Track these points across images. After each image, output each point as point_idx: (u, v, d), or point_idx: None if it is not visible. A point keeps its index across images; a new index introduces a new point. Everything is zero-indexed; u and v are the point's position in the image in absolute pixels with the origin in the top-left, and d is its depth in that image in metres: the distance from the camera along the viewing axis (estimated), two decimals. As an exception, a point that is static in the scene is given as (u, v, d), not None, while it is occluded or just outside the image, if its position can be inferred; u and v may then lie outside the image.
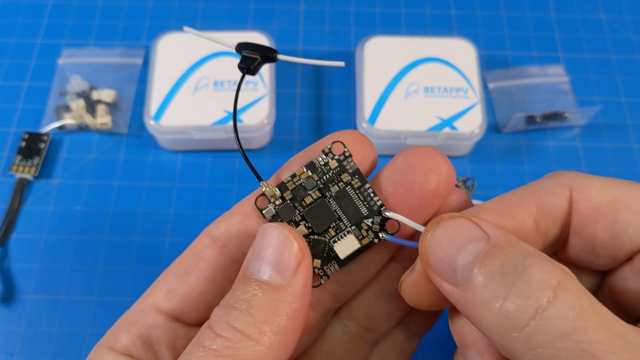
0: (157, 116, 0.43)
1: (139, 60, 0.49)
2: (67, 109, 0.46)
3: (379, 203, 0.22)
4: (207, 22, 0.52)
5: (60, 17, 0.52)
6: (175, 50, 0.46)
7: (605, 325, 0.16)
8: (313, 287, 0.22)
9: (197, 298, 0.23)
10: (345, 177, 0.22)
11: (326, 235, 0.22)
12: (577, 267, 0.22)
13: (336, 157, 0.22)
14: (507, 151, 0.46)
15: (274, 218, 0.22)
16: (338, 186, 0.22)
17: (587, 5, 0.54)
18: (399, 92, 0.44)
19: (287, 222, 0.22)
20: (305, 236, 0.22)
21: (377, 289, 0.25)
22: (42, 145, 0.45)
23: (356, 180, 0.22)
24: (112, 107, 0.47)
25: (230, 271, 0.23)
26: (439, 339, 0.39)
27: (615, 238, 0.20)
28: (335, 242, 0.22)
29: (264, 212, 0.22)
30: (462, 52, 0.46)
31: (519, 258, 0.17)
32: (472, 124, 0.43)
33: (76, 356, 0.38)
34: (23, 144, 0.45)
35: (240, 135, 0.43)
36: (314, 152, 0.23)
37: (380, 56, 0.46)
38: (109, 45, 0.50)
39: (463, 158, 0.46)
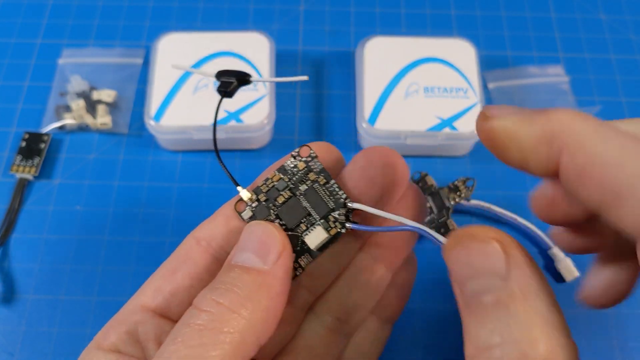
0: (157, 116, 0.43)
1: (139, 60, 0.49)
2: (67, 109, 0.46)
3: (343, 196, 0.24)
4: (207, 22, 0.52)
5: (60, 17, 0.52)
6: (176, 50, 0.46)
7: None
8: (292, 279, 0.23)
9: (183, 293, 0.24)
10: (312, 175, 0.24)
11: (298, 230, 0.24)
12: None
13: (303, 159, 0.25)
14: (507, 151, 0.46)
15: (251, 219, 0.25)
16: (306, 184, 0.24)
17: (587, 5, 0.54)
18: (399, 92, 0.45)
19: (262, 221, 0.24)
20: None
21: (348, 280, 0.26)
22: (42, 145, 0.45)
23: (322, 177, 0.24)
24: (112, 107, 0.47)
25: (215, 269, 0.24)
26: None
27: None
28: (306, 235, 0.24)
29: (242, 214, 0.25)
30: (462, 52, 0.46)
31: (520, 322, 0.17)
32: (472, 124, 0.43)
33: (76, 356, 0.38)
34: (23, 144, 0.45)
35: (240, 135, 0.44)
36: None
37: (380, 56, 0.46)
38: (109, 45, 0.50)
39: (463, 158, 0.46)
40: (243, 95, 0.44)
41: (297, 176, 0.25)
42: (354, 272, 0.26)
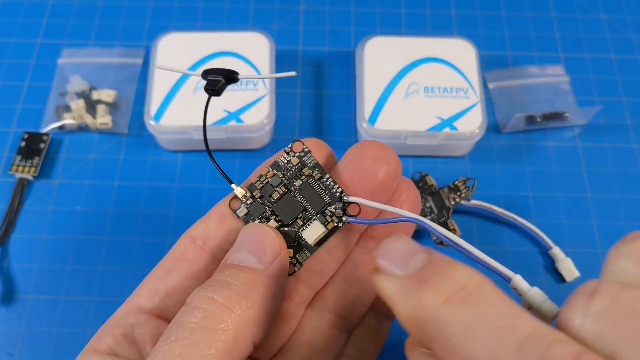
0: (157, 116, 0.43)
1: (139, 60, 0.49)
2: (67, 109, 0.46)
3: (339, 190, 0.24)
4: (207, 22, 0.52)
5: (60, 17, 0.52)
6: (175, 50, 0.46)
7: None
8: (288, 275, 0.23)
9: (180, 293, 0.23)
10: (307, 170, 0.24)
11: (295, 225, 0.24)
12: None
13: (297, 154, 0.25)
14: (507, 151, 0.46)
15: (247, 216, 0.24)
16: (301, 180, 0.24)
17: (587, 5, 0.54)
18: (399, 92, 0.44)
19: (258, 218, 0.24)
20: (276, 229, 0.24)
21: (345, 275, 0.26)
22: (42, 145, 0.45)
23: (316, 172, 0.24)
24: (112, 107, 0.47)
25: (211, 267, 0.24)
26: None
27: None
28: (303, 230, 0.24)
29: (237, 212, 0.24)
30: (462, 52, 0.46)
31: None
32: (472, 124, 0.43)
33: (76, 356, 0.38)
34: (23, 144, 0.45)
35: (240, 135, 0.44)
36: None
37: (380, 56, 0.46)
38: (109, 45, 0.50)
39: (463, 158, 0.46)
40: (243, 95, 0.44)
41: (291, 172, 0.25)
42: (352, 267, 0.26)
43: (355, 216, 0.24)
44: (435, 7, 0.53)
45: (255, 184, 0.25)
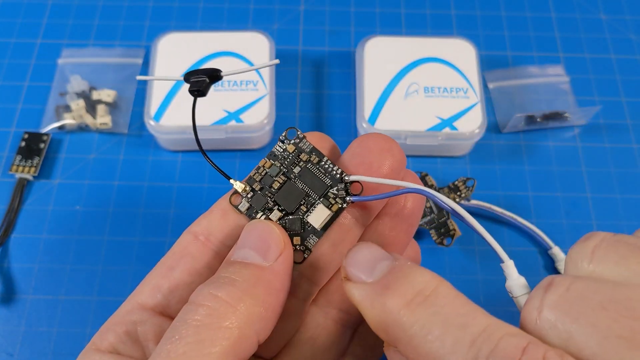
0: (157, 116, 0.43)
1: (139, 60, 0.49)
2: (67, 109, 0.46)
3: (339, 171, 0.24)
4: (207, 22, 0.52)
5: (60, 17, 0.52)
6: (175, 50, 0.46)
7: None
8: (298, 263, 0.23)
9: (183, 289, 0.23)
10: (304, 156, 0.24)
11: (299, 212, 0.24)
12: None
13: (292, 141, 0.24)
14: (507, 151, 0.46)
15: (250, 210, 0.24)
16: (299, 166, 0.24)
17: (587, 5, 0.54)
18: (399, 92, 0.44)
19: (261, 210, 0.24)
20: (280, 218, 0.24)
21: None
22: (42, 145, 0.45)
23: (314, 156, 0.24)
24: (112, 107, 0.47)
25: (214, 263, 0.24)
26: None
27: None
28: (308, 216, 0.24)
29: (239, 207, 0.24)
30: (462, 52, 0.46)
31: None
32: (472, 124, 0.43)
33: (76, 356, 0.38)
34: (23, 144, 0.45)
35: (240, 135, 0.44)
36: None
37: (380, 56, 0.46)
38: (109, 45, 0.50)
39: (463, 158, 0.46)
40: (243, 95, 0.44)
41: (288, 159, 0.24)
42: None
43: (358, 194, 0.24)
44: (435, 7, 0.53)
45: (254, 177, 0.24)
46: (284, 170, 0.24)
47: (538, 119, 0.46)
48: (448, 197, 0.42)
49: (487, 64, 0.50)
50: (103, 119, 0.46)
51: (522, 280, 0.20)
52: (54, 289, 0.40)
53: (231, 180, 0.24)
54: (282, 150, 0.25)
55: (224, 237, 0.24)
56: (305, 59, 0.50)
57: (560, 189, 0.45)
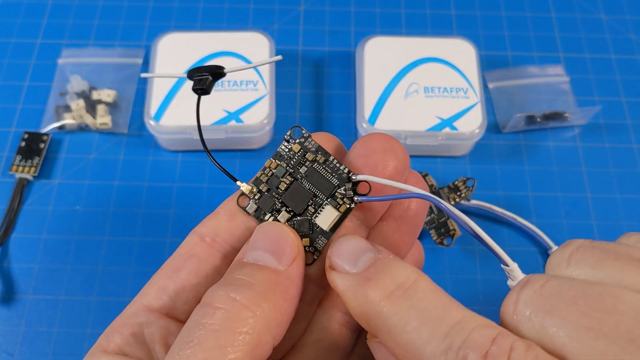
0: (157, 116, 0.43)
1: (139, 60, 0.49)
2: (67, 109, 0.46)
3: (346, 171, 0.23)
4: (207, 22, 0.52)
5: (60, 17, 0.52)
6: (175, 50, 0.46)
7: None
8: (307, 265, 0.23)
9: (189, 291, 0.23)
10: (310, 155, 0.24)
11: (307, 213, 0.23)
12: None
13: (297, 140, 0.24)
14: (507, 151, 0.46)
15: (258, 212, 0.24)
16: (305, 166, 0.24)
17: (587, 5, 0.54)
18: (399, 92, 0.44)
19: (269, 211, 0.24)
20: (288, 220, 0.24)
21: None
22: (42, 145, 0.45)
23: (320, 155, 0.24)
24: (112, 107, 0.47)
25: (221, 265, 0.23)
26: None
27: None
28: (316, 217, 0.23)
29: (246, 209, 0.24)
30: (462, 52, 0.46)
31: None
32: (472, 124, 0.43)
33: (76, 356, 0.38)
34: (23, 144, 0.45)
35: (240, 135, 0.44)
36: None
37: (380, 56, 0.46)
38: (109, 45, 0.50)
39: (463, 158, 0.46)
40: (243, 95, 0.44)
41: (294, 159, 0.24)
42: None
43: (366, 194, 0.23)
44: (435, 7, 0.53)
45: (261, 178, 0.24)
46: (291, 170, 0.24)
47: (538, 119, 0.46)
48: (448, 197, 0.42)
49: (487, 64, 0.50)
50: (103, 119, 0.46)
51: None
52: (54, 289, 0.40)
53: (238, 182, 0.24)
54: (287, 150, 0.24)
55: (230, 238, 0.24)
56: (305, 59, 0.50)
57: (560, 189, 0.45)
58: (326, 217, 0.23)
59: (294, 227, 0.23)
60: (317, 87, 0.49)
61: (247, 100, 0.44)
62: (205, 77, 0.25)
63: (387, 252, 0.21)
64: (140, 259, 0.41)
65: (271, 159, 0.24)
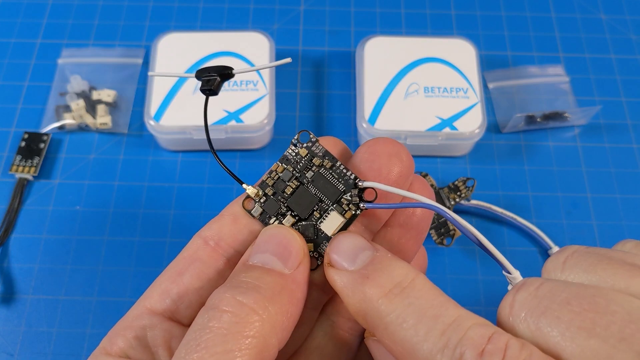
0: (157, 116, 0.43)
1: (139, 60, 0.49)
2: (67, 109, 0.46)
3: (352, 177, 0.23)
4: (207, 22, 0.52)
5: (60, 17, 0.52)
6: (175, 50, 0.46)
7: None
8: (311, 270, 0.23)
9: (192, 295, 0.23)
10: (317, 160, 0.24)
11: (312, 218, 0.23)
12: None
13: (305, 145, 0.24)
14: (507, 151, 0.46)
15: (263, 215, 0.24)
16: (312, 171, 0.24)
17: (587, 5, 0.54)
18: (399, 92, 0.44)
19: (274, 215, 0.24)
20: (293, 224, 0.23)
21: None
22: (42, 145, 0.45)
23: (327, 161, 0.24)
24: (112, 107, 0.47)
25: (224, 268, 0.23)
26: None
27: None
28: (321, 222, 0.23)
29: (252, 212, 0.24)
30: (462, 52, 0.46)
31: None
32: (472, 124, 0.43)
33: (76, 356, 0.38)
34: (23, 144, 0.45)
35: (240, 135, 0.44)
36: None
37: (380, 56, 0.46)
38: (109, 45, 0.50)
39: (463, 158, 0.46)
40: (243, 95, 0.44)
41: (301, 164, 0.24)
42: None
43: (372, 201, 0.23)
44: (435, 7, 0.53)
45: (267, 181, 0.24)
46: (297, 174, 0.24)
47: (538, 119, 0.46)
48: (448, 197, 0.42)
49: (487, 64, 0.50)
50: (103, 119, 0.46)
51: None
52: (54, 289, 0.40)
53: (244, 185, 0.24)
54: (294, 154, 0.24)
55: (234, 242, 0.24)
56: (305, 59, 0.50)
57: (560, 189, 0.45)
58: (331, 223, 0.23)
59: (299, 232, 0.23)
60: (317, 87, 0.49)
61: (247, 100, 0.44)
62: (213, 78, 0.25)
63: (385, 250, 0.21)
64: (140, 259, 0.41)
65: (278, 162, 0.24)
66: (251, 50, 0.46)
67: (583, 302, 0.16)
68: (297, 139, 0.24)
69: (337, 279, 0.21)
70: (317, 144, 0.24)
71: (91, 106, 0.46)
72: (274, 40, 0.47)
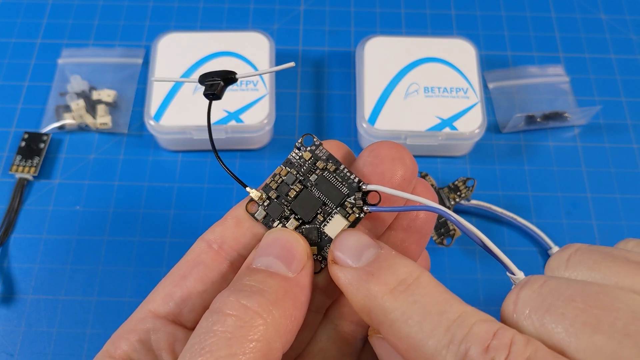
0: (157, 116, 0.43)
1: (139, 60, 0.49)
2: (67, 109, 0.46)
3: (356, 180, 0.23)
4: (207, 22, 0.52)
5: (60, 17, 0.52)
6: (175, 50, 0.46)
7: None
8: (315, 273, 0.23)
9: (195, 298, 0.23)
10: (321, 164, 0.24)
11: (316, 222, 0.23)
12: None
13: (308, 148, 0.24)
14: (507, 151, 0.46)
15: (266, 218, 0.24)
16: (316, 174, 0.24)
17: (587, 5, 0.54)
18: (399, 92, 0.44)
19: (278, 218, 0.24)
20: (297, 227, 0.24)
21: None
22: (42, 145, 0.45)
23: (330, 164, 0.24)
24: (112, 107, 0.47)
25: (227, 272, 0.23)
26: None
27: None
28: (325, 225, 0.23)
29: (255, 215, 0.24)
30: (462, 52, 0.46)
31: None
32: (472, 124, 0.43)
33: (76, 356, 0.38)
34: (23, 143, 0.45)
35: (240, 135, 0.44)
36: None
37: (380, 56, 0.46)
38: (109, 45, 0.50)
39: (463, 158, 0.46)
40: (243, 95, 0.44)
41: (305, 167, 0.24)
42: None
43: (376, 204, 0.23)
44: (435, 7, 0.53)
45: (270, 184, 0.24)
46: (301, 178, 0.24)
47: (538, 119, 0.46)
48: (448, 197, 0.42)
49: (487, 64, 0.50)
50: (103, 119, 0.46)
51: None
52: (54, 289, 0.40)
53: (247, 188, 0.24)
54: (298, 157, 0.24)
55: (238, 246, 0.24)
56: (305, 59, 0.50)
57: (560, 189, 0.45)
58: (335, 226, 0.23)
59: (302, 235, 0.23)
60: (317, 87, 0.49)
61: (247, 100, 0.44)
62: (216, 82, 0.25)
63: (389, 248, 0.21)
64: (140, 259, 0.41)
65: (281, 165, 0.24)
66: (251, 50, 0.46)
67: (587, 299, 0.16)
68: (300, 143, 0.24)
69: (342, 276, 0.21)
70: (320, 147, 0.24)
71: (91, 106, 0.46)
72: (274, 40, 0.47)
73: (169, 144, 0.45)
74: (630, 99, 0.49)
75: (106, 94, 0.47)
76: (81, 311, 0.40)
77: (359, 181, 0.23)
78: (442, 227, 0.42)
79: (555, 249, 0.41)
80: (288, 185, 0.24)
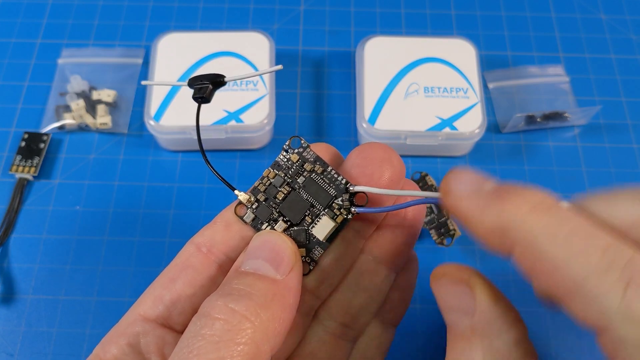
0: (157, 116, 0.43)
1: (139, 60, 0.49)
2: (67, 109, 0.46)
3: (344, 181, 0.23)
4: (207, 22, 0.52)
5: (60, 17, 0.52)
6: (176, 50, 0.46)
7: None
8: (304, 275, 0.23)
9: (184, 301, 0.23)
10: (308, 166, 0.24)
11: (304, 223, 0.24)
12: None
13: (296, 150, 0.24)
14: (507, 151, 0.46)
15: (255, 221, 0.24)
16: (303, 176, 0.24)
17: (587, 5, 0.54)
18: (399, 92, 0.44)
19: (266, 221, 0.24)
20: (285, 229, 0.24)
21: (351, 283, 0.25)
22: (42, 145, 0.45)
23: (318, 166, 0.24)
24: (112, 107, 0.47)
25: (216, 275, 0.23)
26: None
27: None
28: (313, 227, 0.23)
29: (244, 218, 0.24)
30: (462, 52, 0.46)
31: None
32: (472, 124, 0.43)
33: (76, 356, 0.38)
34: (23, 143, 0.45)
35: (240, 135, 0.44)
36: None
37: (380, 56, 0.46)
38: (109, 45, 0.50)
39: (463, 158, 0.46)
40: (243, 95, 0.44)
41: (292, 169, 0.24)
42: (357, 276, 0.25)
43: (363, 205, 0.23)
44: (435, 7, 0.53)
45: (259, 187, 0.24)
46: (288, 180, 0.24)
47: (538, 119, 0.46)
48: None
49: (487, 64, 0.50)
50: (103, 119, 0.46)
51: None
52: (54, 289, 0.40)
53: (235, 191, 0.24)
54: (286, 159, 0.24)
55: (227, 249, 0.24)
56: (305, 59, 0.50)
57: (560, 189, 0.45)
58: (322, 228, 0.23)
59: (291, 237, 0.23)
60: (317, 87, 0.49)
61: (247, 100, 0.44)
62: (205, 86, 0.25)
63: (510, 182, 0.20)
64: (140, 259, 0.41)
65: (269, 168, 0.24)
66: (251, 50, 0.46)
67: None
68: (288, 145, 0.24)
69: (462, 203, 0.19)
70: (308, 150, 0.24)
71: (91, 106, 0.46)
72: (274, 40, 0.47)
73: (169, 144, 0.45)
74: (630, 99, 0.49)
75: (106, 94, 0.47)
76: (81, 311, 0.40)
77: (347, 183, 0.23)
78: (442, 227, 0.42)
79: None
80: (276, 187, 0.24)
